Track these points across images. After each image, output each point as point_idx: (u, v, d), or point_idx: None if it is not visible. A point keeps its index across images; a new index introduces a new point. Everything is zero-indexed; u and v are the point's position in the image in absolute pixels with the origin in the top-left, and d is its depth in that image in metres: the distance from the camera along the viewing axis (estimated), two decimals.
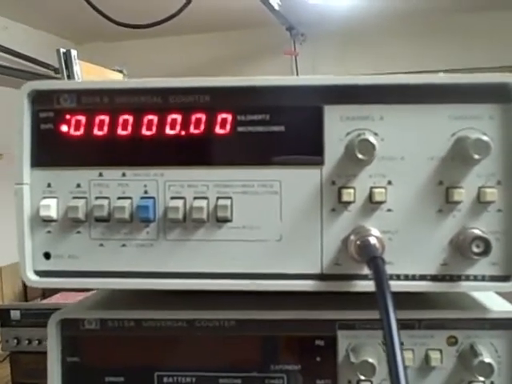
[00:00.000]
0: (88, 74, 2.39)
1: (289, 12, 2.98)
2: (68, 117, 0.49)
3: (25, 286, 2.98)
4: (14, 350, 2.01)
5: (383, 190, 0.47)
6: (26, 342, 2.03)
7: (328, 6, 2.93)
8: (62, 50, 2.24)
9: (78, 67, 2.28)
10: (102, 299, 0.58)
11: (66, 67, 2.26)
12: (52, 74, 3.21)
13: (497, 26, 2.94)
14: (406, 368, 0.38)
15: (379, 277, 0.40)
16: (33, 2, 2.81)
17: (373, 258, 0.42)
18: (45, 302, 2.32)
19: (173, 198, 0.49)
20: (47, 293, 2.65)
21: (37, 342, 2.01)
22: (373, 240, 0.45)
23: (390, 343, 0.37)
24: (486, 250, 0.45)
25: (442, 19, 3.03)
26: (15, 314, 2.08)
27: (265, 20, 3.02)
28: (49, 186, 0.50)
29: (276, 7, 2.79)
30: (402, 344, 0.38)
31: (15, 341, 2.03)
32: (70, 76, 2.23)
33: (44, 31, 3.32)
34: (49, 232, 0.50)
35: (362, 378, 0.48)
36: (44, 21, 3.16)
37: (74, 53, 2.26)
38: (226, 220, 0.48)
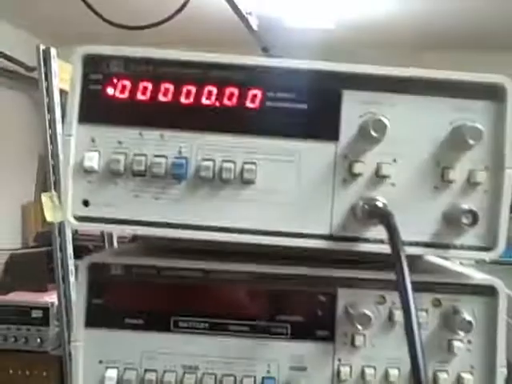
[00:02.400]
0: (65, 73, 2.40)
1: (266, 33, 3.09)
2: (115, 81, 0.55)
3: None
4: None
5: (388, 166, 0.55)
6: None
7: (304, 30, 3.06)
8: (42, 47, 2.27)
9: (57, 65, 2.30)
10: (127, 251, 0.63)
11: (44, 64, 2.28)
12: (22, 71, 3.23)
13: None
14: (419, 324, 0.43)
15: (393, 232, 0.48)
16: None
17: (384, 215, 0.49)
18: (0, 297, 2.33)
19: (204, 159, 0.55)
20: (1, 292, 2.64)
21: None
22: (380, 204, 0.52)
23: (404, 288, 0.44)
24: (474, 221, 0.53)
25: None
26: None
27: (240, 40, 3.12)
28: (93, 140, 0.55)
29: (254, 27, 2.89)
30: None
31: None
32: (48, 73, 2.26)
33: (23, 30, 3.33)
34: (89, 182, 0.55)
35: (359, 327, 0.55)
36: (24, 20, 3.18)
37: (53, 51, 2.28)
38: (250, 182, 0.55)
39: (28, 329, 2.16)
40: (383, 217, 0.49)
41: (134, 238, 0.73)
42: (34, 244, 3.04)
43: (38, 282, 2.45)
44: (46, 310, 2.26)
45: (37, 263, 2.65)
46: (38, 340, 2.13)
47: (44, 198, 2.14)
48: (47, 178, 2.23)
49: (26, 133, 3.29)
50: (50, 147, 2.20)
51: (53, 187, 2.15)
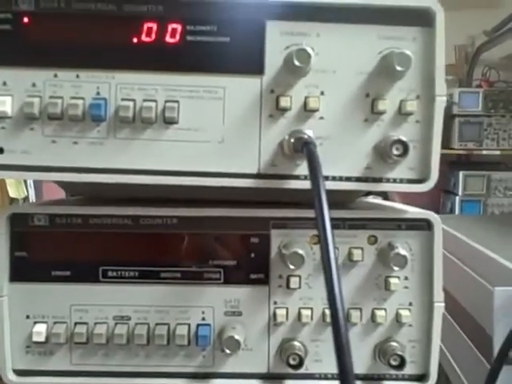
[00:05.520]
0: None
1: None
2: (26, 20, 0.52)
3: None
4: None
5: (316, 99, 0.52)
6: None
7: None
8: None
9: None
10: (51, 202, 0.60)
11: None
12: None
13: None
14: (335, 251, 0.41)
15: (312, 157, 0.45)
16: None
17: (305, 144, 0.47)
18: None
19: (123, 99, 0.52)
20: None
21: None
22: (305, 135, 0.50)
23: (320, 211, 0.42)
24: (405, 152, 0.51)
25: None
26: None
27: None
28: (4, 84, 0.52)
29: None
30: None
31: None
32: None
33: None
34: (3, 128, 0.52)
35: (292, 267, 0.53)
36: None
37: None
38: (172, 122, 0.52)
39: None
40: (304, 145, 0.47)
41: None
42: None
43: None
44: None
45: None
46: None
47: None
48: None
49: None
50: None
51: None
